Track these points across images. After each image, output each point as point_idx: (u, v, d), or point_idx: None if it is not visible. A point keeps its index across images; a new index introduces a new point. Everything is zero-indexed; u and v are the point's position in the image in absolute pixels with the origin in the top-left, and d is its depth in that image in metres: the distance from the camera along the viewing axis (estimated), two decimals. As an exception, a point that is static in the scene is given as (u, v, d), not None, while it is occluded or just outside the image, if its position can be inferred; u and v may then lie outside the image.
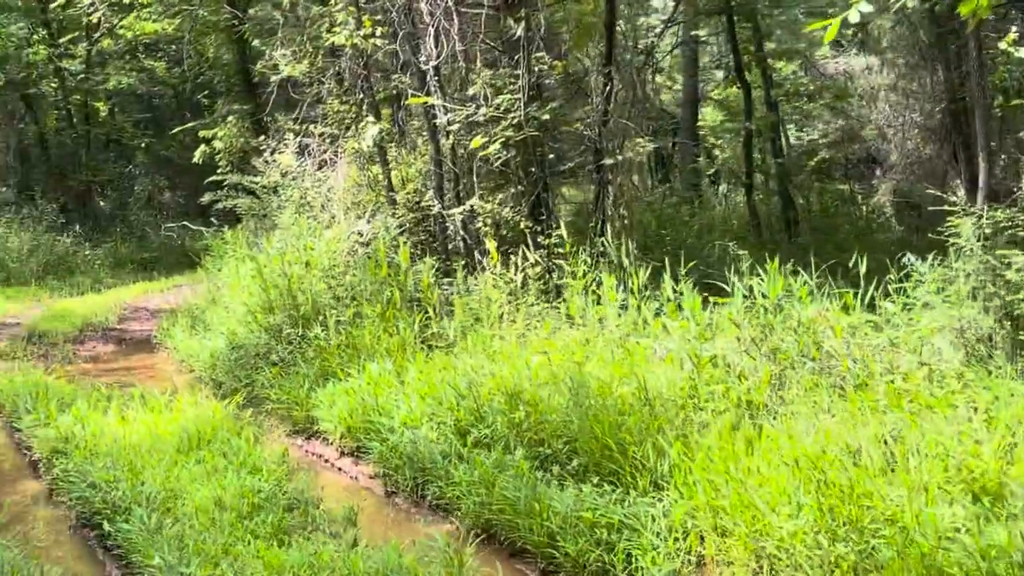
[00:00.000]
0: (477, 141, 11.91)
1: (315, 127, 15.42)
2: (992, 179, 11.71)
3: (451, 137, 12.60)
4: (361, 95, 14.27)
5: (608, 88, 12.48)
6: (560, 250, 11.13)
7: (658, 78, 24.05)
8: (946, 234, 8.19)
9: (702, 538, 6.34)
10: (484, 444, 8.04)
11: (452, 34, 12.44)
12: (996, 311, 7.70)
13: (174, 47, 33.04)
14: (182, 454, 8.44)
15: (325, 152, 15.16)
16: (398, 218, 13.20)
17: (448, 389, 8.85)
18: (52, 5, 25.11)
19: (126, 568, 6.77)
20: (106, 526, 7.18)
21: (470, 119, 12.36)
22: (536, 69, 12.28)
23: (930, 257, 8.13)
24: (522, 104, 11.91)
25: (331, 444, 9.61)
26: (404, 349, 10.53)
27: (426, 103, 12.75)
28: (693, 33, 23.40)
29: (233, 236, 16.82)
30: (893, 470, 5.99)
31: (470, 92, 12.59)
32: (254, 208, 17.05)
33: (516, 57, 12.25)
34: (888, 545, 5.47)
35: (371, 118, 13.80)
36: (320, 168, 15.23)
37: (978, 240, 8.01)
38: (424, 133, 14.48)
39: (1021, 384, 6.71)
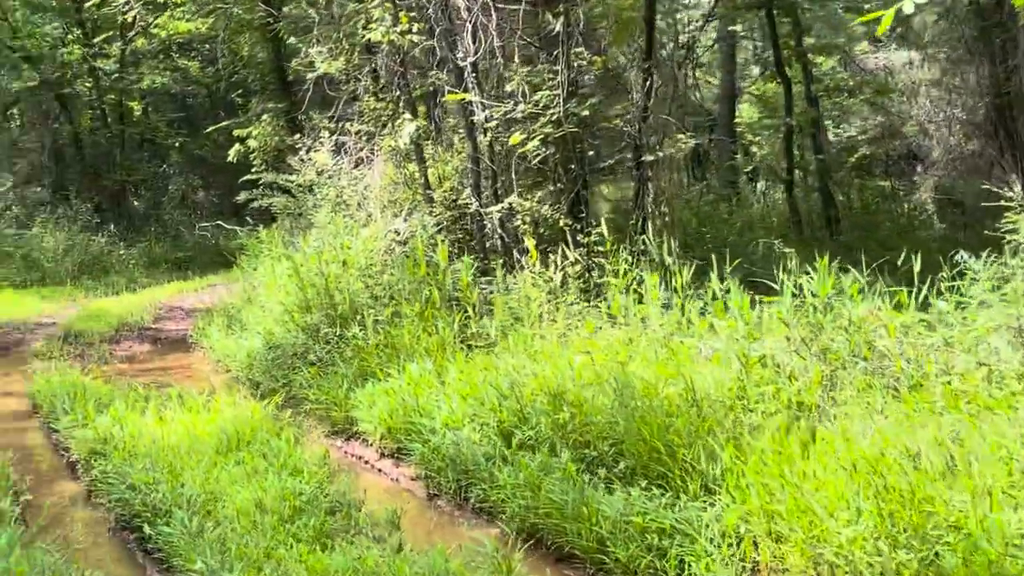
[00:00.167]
0: (516, 138, 11.77)
1: (351, 125, 15.31)
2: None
3: (488, 134, 12.46)
4: (397, 92, 14.15)
5: (648, 84, 12.30)
6: (600, 248, 10.96)
7: (695, 74, 23.81)
8: (1002, 231, 7.97)
9: (755, 544, 6.15)
10: (528, 446, 7.87)
11: (490, 30, 12.30)
12: (1057, 309, 7.47)
13: (207, 46, 33.04)
14: (221, 455, 8.33)
15: (362, 150, 15.04)
16: (435, 216, 13.07)
17: (490, 389, 8.70)
18: (87, 4, 25.08)
19: (167, 572, 6.67)
20: (146, 529, 7.07)
21: (508, 116, 12.22)
22: (575, 65, 12.13)
23: (983, 254, 7.90)
24: (561, 100, 11.76)
25: (371, 445, 9.48)
26: (443, 349, 10.39)
27: (463, 100, 12.61)
28: (730, 28, 23.15)
29: (268, 235, 16.74)
30: (954, 474, 5.79)
31: (508, 89, 12.45)
32: (289, 207, 16.96)
33: (555, 53, 12.10)
34: (952, 552, 5.28)
35: (408, 115, 13.67)
36: (356, 166, 15.12)
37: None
38: (460, 130, 14.35)
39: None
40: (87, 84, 31.54)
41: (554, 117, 11.75)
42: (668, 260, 9.84)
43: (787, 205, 18.94)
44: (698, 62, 21.47)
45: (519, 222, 12.21)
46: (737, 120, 26.00)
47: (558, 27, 11.87)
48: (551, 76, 12.02)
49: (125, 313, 18.27)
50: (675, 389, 7.71)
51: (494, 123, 12.34)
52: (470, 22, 12.43)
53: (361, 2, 14.00)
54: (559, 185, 12.44)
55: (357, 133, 15.23)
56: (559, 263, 10.95)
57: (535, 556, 6.63)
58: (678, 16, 19.65)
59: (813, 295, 8.02)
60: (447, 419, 8.68)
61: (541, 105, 11.83)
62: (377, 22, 13.12)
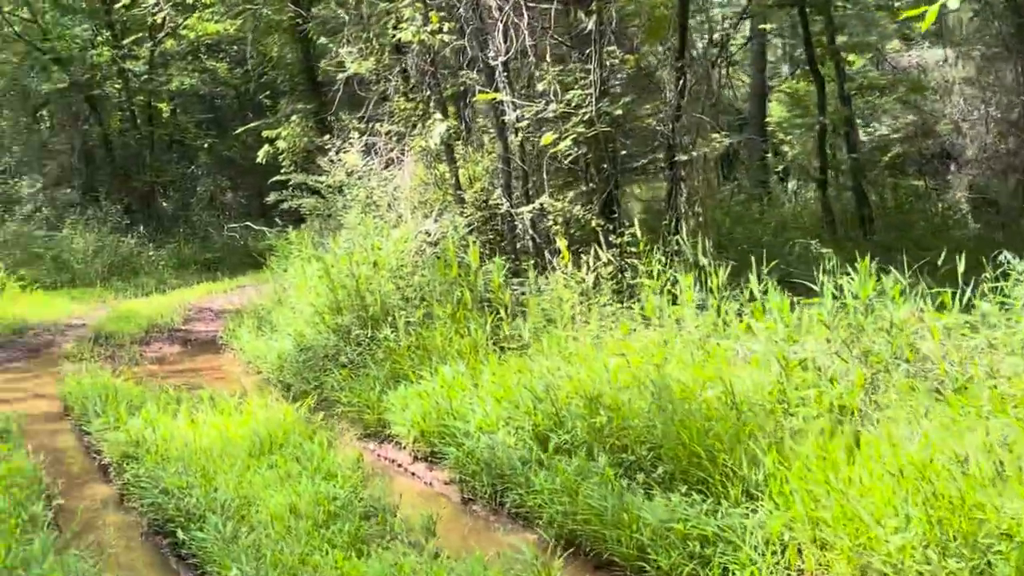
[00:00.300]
0: (548, 138, 11.66)
1: (381, 125, 15.24)
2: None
3: (519, 134, 12.36)
4: (428, 92, 14.07)
5: (681, 82, 12.17)
6: (633, 249, 10.84)
7: (728, 72, 23.62)
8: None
9: (799, 551, 6.02)
10: (564, 450, 7.76)
11: (522, 29, 12.19)
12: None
13: (235, 47, 33.11)
14: (254, 458, 8.26)
15: (392, 151, 14.97)
16: (466, 217, 12.98)
17: (524, 392, 8.58)
18: (116, 6, 25.21)
19: (201, 578, 6.61)
20: (180, 534, 7.00)
21: (539, 115, 12.11)
22: (607, 64, 12.02)
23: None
24: (593, 99, 11.64)
25: (404, 448, 9.38)
26: (476, 351, 10.28)
27: (494, 100, 12.51)
28: (761, 27, 22.96)
29: (298, 236, 16.70)
30: (1004, 480, 5.64)
31: (539, 88, 12.34)
32: (319, 208, 16.92)
33: (587, 52, 11.99)
34: (1005, 561, 5.13)
35: (438, 115, 13.60)
36: (386, 167, 15.05)
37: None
38: (490, 130, 14.25)
39: None
40: (116, 86, 31.66)
41: (586, 116, 11.63)
42: (703, 261, 9.71)
43: (820, 205, 18.73)
44: (732, 60, 21.29)
45: (551, 222, 12.10)
46: (767, 119, 25.77)
47: (590, 25, 11.76)
48: (583, 75, 11.90)
49: (155, 314, 18.28)
50: (713, 392, 7.57)
51: (525, 123, 12.24)
52: (501, 21, 12.32)
53: (392, 1, 13.93)
54: (591, 185, 12.33)
55: (387, 134, 15.16)
56: (591, 264, 10.83)
57: (574, 564, 6.50)
58: (711, 14, 19.49)
59: (854, 296, 7.87)
60: (481, 422, 8.58)
61: (573, 104, 11.72)
62: (407, 21, 13.06)
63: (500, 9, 12.29)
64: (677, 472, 7.03)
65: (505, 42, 12.35)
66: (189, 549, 6.87)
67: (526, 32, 12.21)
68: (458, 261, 11.58)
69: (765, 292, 8.54)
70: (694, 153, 12.03)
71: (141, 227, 28.42)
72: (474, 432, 8.46)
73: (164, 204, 32.68)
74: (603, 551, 6.54)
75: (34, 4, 29.04)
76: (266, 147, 20.81)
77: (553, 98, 11.93)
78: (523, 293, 11.23)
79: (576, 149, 11.85)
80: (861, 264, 7.93)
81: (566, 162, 12.28)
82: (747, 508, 6.31)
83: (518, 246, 12.86)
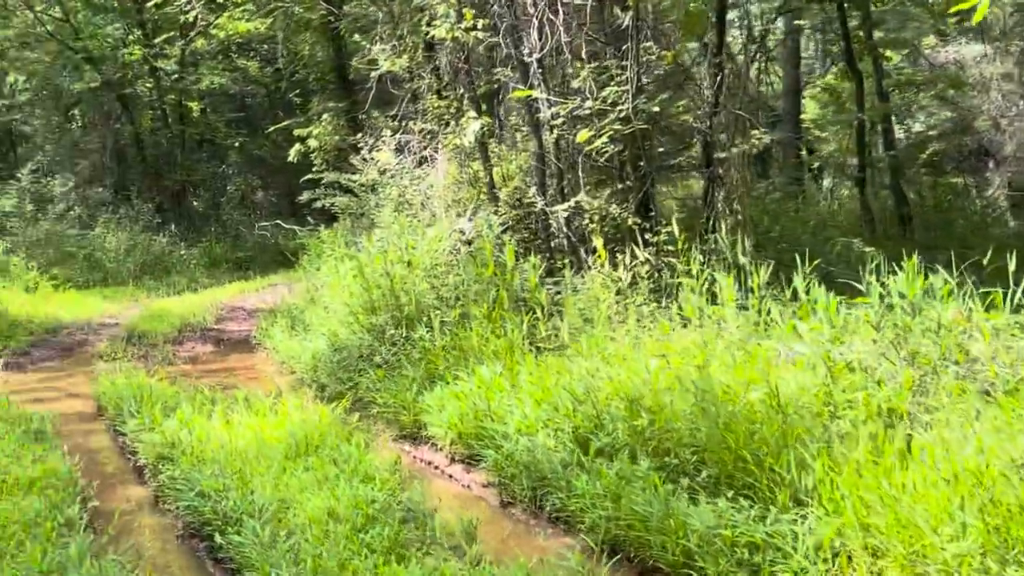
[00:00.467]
0: (584, 135, 11.52)
1: (414, 123, 15.15)
2: None
3: (555, 131, 12.23)
4: (461, 90, 13.97)
5: (719, 78, 12.01)
6: (670, 248, 10.68)
7: (767, 68, 23.41)
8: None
9: (849, 558, 5.86)
10: (606, 453, 7.61)
11: (557, 25, 12.06)
12: None
13: (266, 46, 33.19)
14: (290, 460, 8.17)
15: (425, 149, 14.88)
16: (500, 216, 12.86)
17: (563, 394, 8.44)
18: (148, 4, 25.26)
19: (239, 583, 6.51)
20: (217, 538, 6.90)
21: (574, 113, 11.98)
22: (644, 60, 11.86)
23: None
24: (630, 96, 11.49)
25: (440, 450, 9.26)
26: (512, 351, 10.15)
27: (529, 97, 12.39)
28: (796, 22, 22.70)
29: (330, 235, 16.63)
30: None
31: (574, 85, 12.21)
32: (351, 207, 16.85)
33: (623, 48, 11.84)
34: (1067, 570, 4.98)
35: (472, 113, 13.48)
36: (419, 165, 14.95)
37: None
38: (523, 128, 14.14)
39: None
40: (148, 85, 31.75)
41: (623, 114, 11.48)
42: (742, 260, 9.54)
43: (858, 203, 18.48)
44: (771, 55, 21.07)
45: (586, 221, 11.96)
46: (801, 116, 25.50)
47: (627, 21, 11.61)
48: (619, 72, 11.76)
49: (187, 313, 18.26)
50: (757, 395, 7.41)
51: (560, 120, 12.11)
52: (536, 17, 12.21)
53: (424, -1, 13.85)
54: (627, 183, 12.17)
55: (420, 131, 15.07)
56: (628, 263, 10.69)
57: (618, 570, 6.36)
58: (748, 8, 19.28)
59: (901, 296, 7.69)
60: (520, 424, 8.43)
61: (609, 101, 11.57)
62: (441, 18, 12.95)
63: (535, 5, 12.17)
64: (722, 476, 6.88)
65: (540, 39, 12.23)
66: (226, 553, 6.78)
67: (561, 28, 12.09)
68: (494, 260, 11.45)
69: (808, 292, 8.37)
70: (733, 150, 11.86)
71: (172, 226, 28.48)
72: (513, 434, 8.32)
73: (195, 203, 32.74)
74: (647, 557, 6.39)
75: (66, 3, 29.13)
76: (297, 146, 20.80)
77: (588, 95, 11.80)
78: (558, 293, 11.10)
79: (612, 146, 11.69)
80: (908, 263, 7.76)
81: (601, 160, 12.13)
82: (796, 514, 6.15)
83: (552, 245, 12.74)
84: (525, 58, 12.46)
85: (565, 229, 12.39)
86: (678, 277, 10.06)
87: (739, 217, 11.84)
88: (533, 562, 6.28)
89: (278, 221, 26.29)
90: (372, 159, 15.71)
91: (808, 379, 7.57)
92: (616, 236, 11.90)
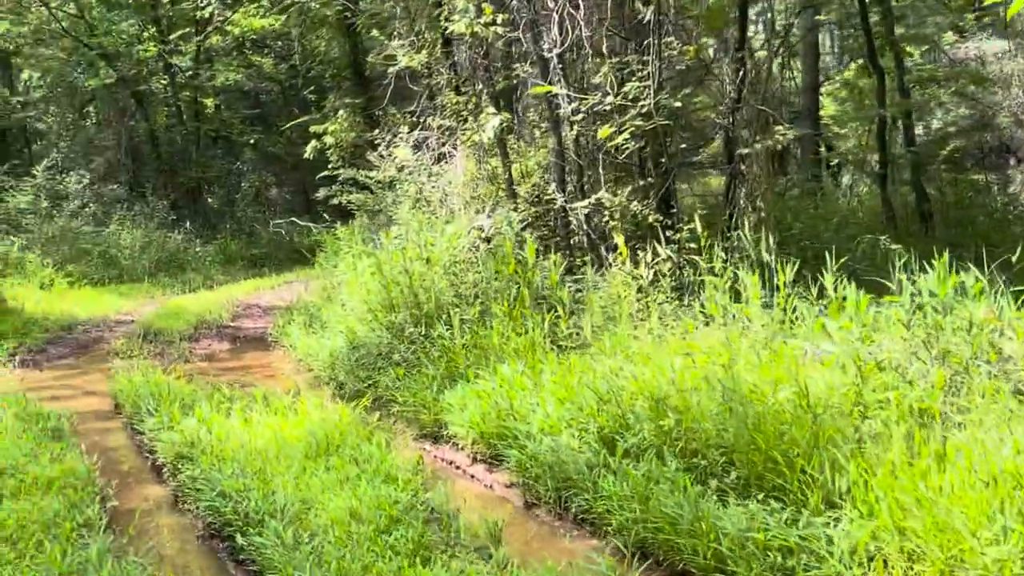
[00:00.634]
0: (605, 131, 11.40)
1: (433, 119, 15.04)
2: None
3: (575, 128, 12.11)
4: (480, 85, 13.85)
5: (741, 74, 11.88)
6: (692, 245, 10.54)
7: (789, 63, 23.20)
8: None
9: (885, 562, 5.72)
10: (632, 454, 7.48)
11: (577, 20, 11.95)
12: None
13: (280, 42, 33.13)
14: (311, 460, 8.06)
15: (443, 145, 14.77)
16: (519, 213, 12.74)
17: (587, 393, 8.31)
18: (163, 0, 25.20)
19: (263, 586, 6.40)
20: (239, 539, 6.80)
21: (595, 109, 11.86)
22: (665, 55, 11.73)
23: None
24: (651, 91, 11.36)
25: (462, 450, 9.13)
26: (534, 350, 10.03)
27: (549, 93, 12.27)
28: (816, 18, 22.51)
29: (347, 232, 16.53)
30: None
31: (595, 80, 12.08)
32: (368, 203, 16.75)
33: (644, 43, 11.72)
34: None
35: (491, 109, 13.37)
36: (437, 161, 14.85)
37: None
38: (541, 125, 14.02)
39: None
40: (163, 81, 31.75)
41: (644, 109, 11.36)
42: (767, 257, 9.39)
43: (877, 200, 18.30)
44: (793, 50, 20.90)
45: (606, 218, 11.84)
46: (820, 112, 25.30)
47: (649, 15, 11.48)
48: (640, 67, 11.63)
49: (203, 311, 18.20)
50: (785, 394, 7.27)
51: (580, 116, 11.99)
52: (556, 12, 12.09)
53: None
54: (648, 180, 12.05)
55: (438, 128, 14.96)
56: (649, 260, 10.56)
57: (646, 573, 6.24)
58: (771, 3, 19.10)
59: (932, 294, 7.55)
60: (543, 424, 8.30)
61: (630, 97, 11.45)
62: (460, 13, 12.84)
63: (555, 0, 12.05)
64: (752, 478, 6.75)
65: (560, 34, 12.11)
66: (248, 554, 6.67)
67: (582, 23, 11.97)
68: (514, 258, 11.33)
69: (836, 289, 8.23)
70: (756, 146, 11.73)
71: (187, 223, 28.46)
72: (536, 434, 8.19)
73: (210, 200, 32.73)
74: (677, 561, 6.25)
75: (81, 0, 29.12)
76: (313, 142, 20.73)
77: (609, 90, 11.67)
78: (579, 291, 10.98)
79: (633, 143, 11.57)
80: (939, 261, 7.61)
81: (621, 157, 12.02)
82: (828, 517, 6.02)
83: (572, 242, 12.63)
84: (545, 53, 12.35)
85: (585, 226, 12.28)
86: (700, 275, 9.93)
87: (762, 214, 11.71)
88: (562, 565, 6.16)
89: (293, 218, 26.25)
90: (390, 155, 15.61)
91: (837, 378, 7.44)
92: (636, 233, 11.79)
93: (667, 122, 11.48)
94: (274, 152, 33.56)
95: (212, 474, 7.77)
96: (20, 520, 6.95)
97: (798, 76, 25.53)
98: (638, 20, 11.86)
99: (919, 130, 22.52)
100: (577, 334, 10.21)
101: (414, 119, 15.83)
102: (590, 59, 12.51)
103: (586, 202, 12.00)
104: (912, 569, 5.59)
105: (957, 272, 7.58)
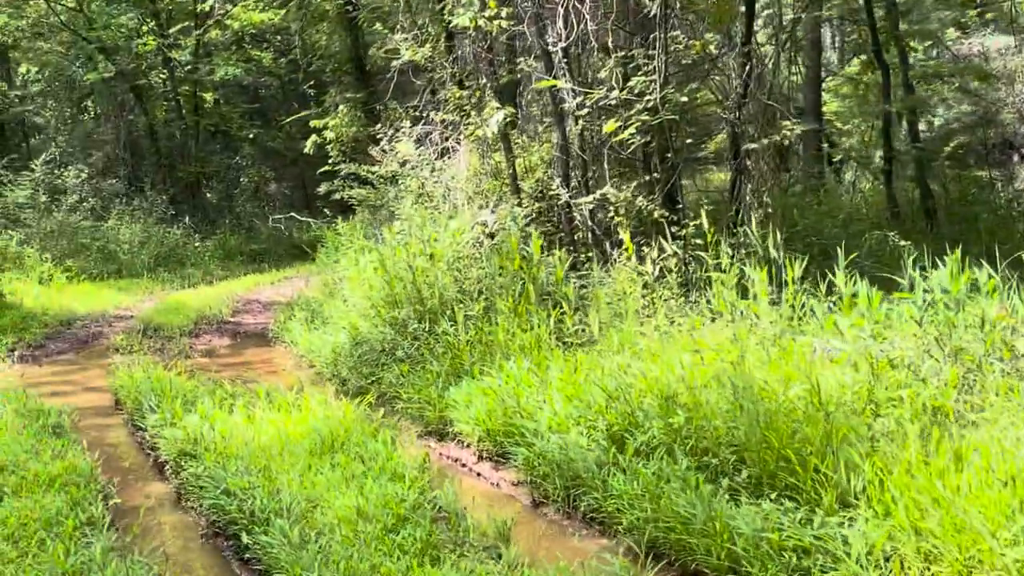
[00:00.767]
0: (611, 125, 11.31)
1: (436, 114, 14.94)
2: None
3: (579, 122, 12.01)
4: (483, 80, 13.75)
5: (747, 68, 11.78)
6: (697, 241, 10.45)
7: (796, 58, 23.04)
8: None
9: (902, 563, 5.63)
10: (641, 452, 7.39)
11: (583, 14, 11.85)
12: None
13: (280, 37, 32.99)
14: (316, 458, 7.97)
15: (447, 140, 14.66)
16: (524, 208, 12.64)
17: (595, 390, 8.22)
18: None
19: (269, 586, 6.31)
20: (244, 538, 6.70)
21: (600, 103, 11.75)
22: (672, 50, 11.63)
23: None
24: (657, 86, 11.26)
25: (467, 447, 9.04)
26: (540, 346, 9.94)
27: (553, 87, 12.17)
28: (818, 14, 22.37)
29: (348, 227, 16.43)
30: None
31: (601, 75, 11.98)
32: (369, 199, 16.65)
33: (650, 37, 11.61)
34: None
35: (495, 103, 13.25)
36: (440, 156, 14.74)
37: None
38: (545, 119, 13.92)
39: None
40: (162, 75, 31.63)
41: (650, 104, 11.25)
42: (774, 253, 9.30)
43: (880, 196, 18.19)
44: (800, 45, 20.78)
45: (611, 213, 11.74)
46: (823, 108, 25.16)
47: (655, 9, 11.38)
48: (645, 61, 11.53)
49: (203, 306, 18.12)
50: (797, 392, 7.18)
51: (585, 111, 11.89)
52: (561, 6, 11.99)
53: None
54: (653, 175, 11.94)
55: (441, 122, 14.86)
56: (655, 256, 10.46)
57: (659, 574, 6.14)
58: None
59: (944, 291, 7.46)
60: (551, 421, 8.21)
61: (636, 91, 11.35)
62: (464, 7, 12.73)
63: (561, -7, 11.96)
64: (764, 477, 6.66)
65: (565, 28, 12.01)
66: (253, 553, 6.58)
67: (587, 17, 11.87)
68: (520, 253, 11.23)
69: (844, 286, 8.13)
70: (763, 141, 11.63)
71: (186, 218, 28.36)
72: (544, 431, 8.10)
73: (209, 195, 32.63)
74: (689, 561, 6.16)
75: (80, -7, 29.02)
76: (313, 137, 20.62)
77: (615, 85, 11.57)
78: (584, 287, 10.89)
79: (638, 138, 11.47)
80: (951, 257, 7.53)
81: (626, 152, 11.92)
82: (843, 516, 5.93)
83: (576, 238, 12.53)
84: (549, 47, 12.26)
85: (589, 222, 12.19)
86: (707, 271, 9.83)
87: (768, 210, 11.62)
88: (573, 565, 6.07)
89: (292, 214, 26.15)
90: (392, 150, 15.50)
91: (848, 376, 7.36)
92: (641, 229, 11.68)
93: (673, 117, 11.36)
94: (273, 147, 33.46)
95: (216, 471, 7.67)
96: (22, 518, 6.86)
97: (803, 71, 25.40)
98: (644, 14, 11.75)
99: (922, 126, 22.42)
100: (583, 331, 10.12)
101: (416, 114, 15.71)
102: (595, 53, 12.40)
103: (591, 197, 11.90)
104: (929, 570, 5.50)
105: (966, 269, 7.51)
